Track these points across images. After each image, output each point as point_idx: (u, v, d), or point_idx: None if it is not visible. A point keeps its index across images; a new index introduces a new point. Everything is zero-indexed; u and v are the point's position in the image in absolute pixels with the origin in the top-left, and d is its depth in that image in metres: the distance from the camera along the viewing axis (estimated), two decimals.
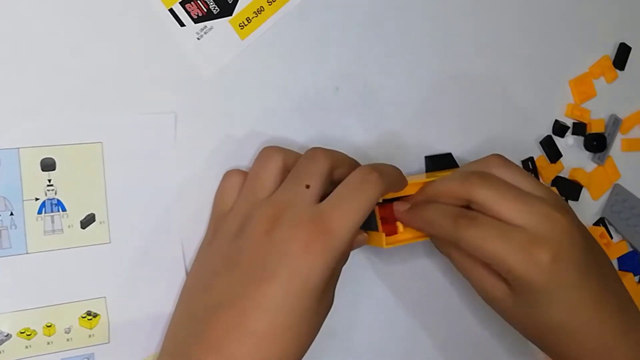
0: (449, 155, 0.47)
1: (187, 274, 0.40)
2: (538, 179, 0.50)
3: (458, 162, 0.47)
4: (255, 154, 0.41)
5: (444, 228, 0.39)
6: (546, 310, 0.38)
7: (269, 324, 0.33)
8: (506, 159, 0.41)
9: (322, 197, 0.36)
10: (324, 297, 0.35)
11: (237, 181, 0.39)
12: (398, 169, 0.40)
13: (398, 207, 0.42)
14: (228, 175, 0.40)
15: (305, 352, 0.35)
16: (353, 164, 0.39)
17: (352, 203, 0.35)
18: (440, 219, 0.39)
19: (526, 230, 0.37)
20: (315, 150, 0.38)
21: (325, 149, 0.38)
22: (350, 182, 0.36)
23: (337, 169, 0.38)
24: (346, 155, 0.39)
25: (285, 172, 0.38)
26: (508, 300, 0.39)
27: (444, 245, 0.42)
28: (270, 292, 0.33)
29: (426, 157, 0.46)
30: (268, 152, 0.39)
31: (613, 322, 0.38)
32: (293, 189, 0.36)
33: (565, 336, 0.39)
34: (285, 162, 0.38)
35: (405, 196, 0.41)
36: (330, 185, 0.37)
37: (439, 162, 0.46)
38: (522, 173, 0.40)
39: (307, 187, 0.36)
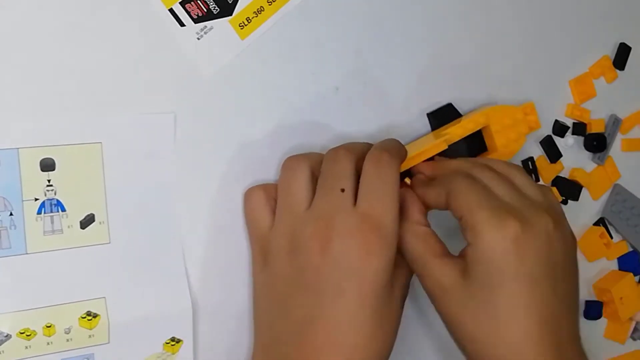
0: (450, 105, 0.46)
1: (187, 273, 0.40)
2: (538, 179, 0.50)
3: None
4: (255, 154, 0.41)
5: (442, 179, 0.40)
6: (492, 299, 0.36)
7: (354, 333, 0.35)
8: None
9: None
10: (394, 287, 0.37)
11: (262, 198, 0.39)
12: (395, 139, 0.40)
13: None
14: (250, 194, 0.40)
15: (395, 339, 0.37)
16: None
17: (383, 190, 0.36)
18: (441, 173, 0.41)
19: (509, 204, 0.37)
20: (337, 151, 0.38)
21: (346, 147, 0.39)
22: (369, 173, 0.37)
23: (360, 162, 0.38)
24: (364, 144, 0.40)
25: (315, 178, 0.38)
26: (456, 290, 0.37)
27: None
28: (347, 305, 0.35)
29: (428, 114, 0.46)
30: (292, 162, 0.39)
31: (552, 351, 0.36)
32: (330, 197, 0.36)
33: (502, 345, 0.36)
34: (312, 168, 0.38)
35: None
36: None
37: (442, 116, 0.46)
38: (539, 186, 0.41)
39: (342, 190, 0.36)
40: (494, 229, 0.36)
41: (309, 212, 0.37)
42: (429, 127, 0.46)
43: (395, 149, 0.39)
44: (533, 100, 0.49)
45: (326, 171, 0.38)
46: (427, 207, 0.41)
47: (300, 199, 0.38)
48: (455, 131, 0.43)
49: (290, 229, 0.37)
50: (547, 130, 0.50)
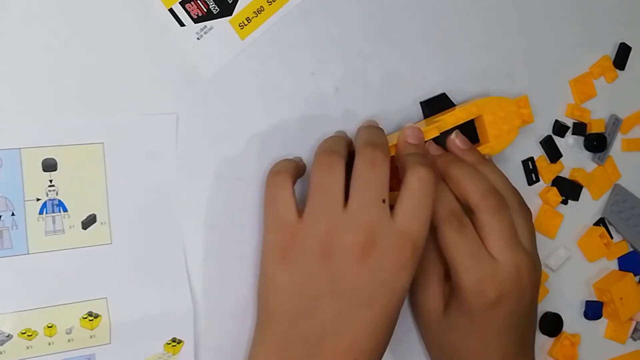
0: (444, 95, 0.46)
1: (188, 274, 0.40)
2: (538, 179, 0.50)
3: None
4: (256, 154, 0.41)
5: (438, 215, 0.40)
6: (458, 339, 0.41)
7: (374, 339, 0.37)
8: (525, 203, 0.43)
9: None
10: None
11: (289, 185, 0.38)
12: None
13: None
14: (277, 179, 0.39)
15: None
16: None
17: (423, 210, 0.38)
18: (441, 206, 0.41)
19: (497, 265, 0.40)
20: (375, 153, 0.38)
21: (382, 151, 0.38)
22: (414, 189, 0.37)
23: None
24: (386, 136, 0.41)
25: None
26: (436, 315, 0.42)
27: None
28: (374, 316, 0.37)
29: (421, 103, 0.46)
30: (328, 159, 0.38)
31: None
32: (373, 208, 0.37)
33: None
34: (345, 163, 0.38)
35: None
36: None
37: (435, 106, 0.45)
38: (531, 223, 0.43)
39: (383, 201, 0.37)
40: (474, 292, 0.39)
41: (348, 217, 0.37)
42: None
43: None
44: (533, 100, 0.49)
45: (366, 176, 0.37)
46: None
47: (337, 199, 0.37)
48: (448, 119, 0.43)
49: (326, 230, 0.37)
50: (547, 130, 0.50)
